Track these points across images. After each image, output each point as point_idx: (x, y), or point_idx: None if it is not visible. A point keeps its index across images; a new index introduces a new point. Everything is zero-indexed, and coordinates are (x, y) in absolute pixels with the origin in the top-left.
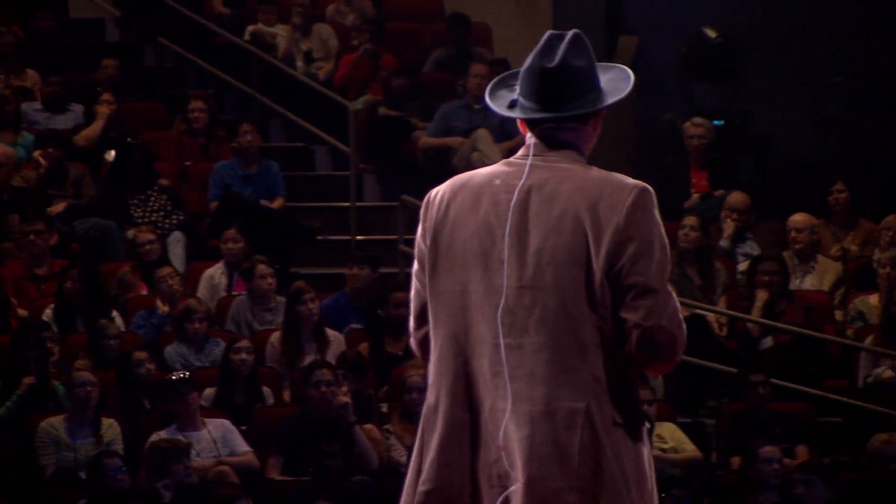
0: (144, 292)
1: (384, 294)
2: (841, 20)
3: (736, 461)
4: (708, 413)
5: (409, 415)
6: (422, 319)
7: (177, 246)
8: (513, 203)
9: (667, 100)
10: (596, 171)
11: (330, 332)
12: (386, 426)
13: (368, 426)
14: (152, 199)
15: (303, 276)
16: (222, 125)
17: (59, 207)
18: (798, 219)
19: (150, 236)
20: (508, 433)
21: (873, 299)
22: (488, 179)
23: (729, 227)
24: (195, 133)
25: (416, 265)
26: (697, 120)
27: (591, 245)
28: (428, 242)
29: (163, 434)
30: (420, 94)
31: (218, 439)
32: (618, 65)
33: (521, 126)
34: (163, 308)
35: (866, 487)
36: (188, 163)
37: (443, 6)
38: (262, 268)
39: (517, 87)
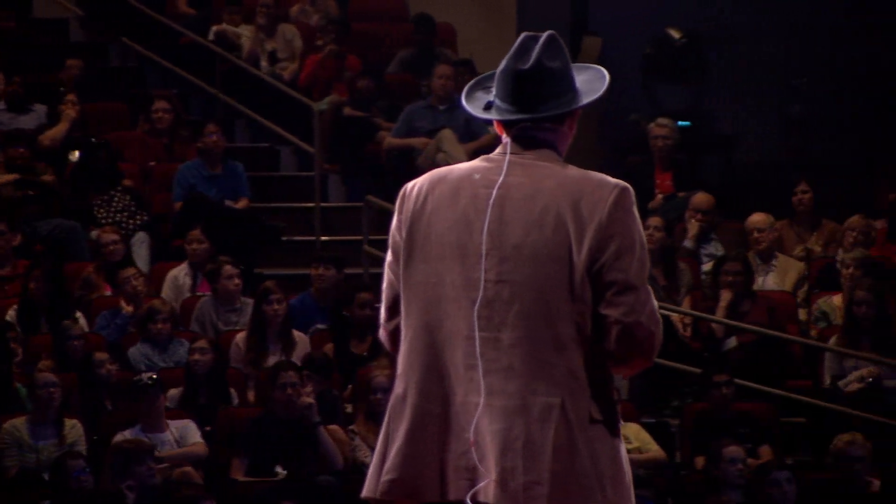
0: (108, 293)
1: (349, 295)
2: (805, 21)
3: (700, 461)
4: (672, 413)
5: (374, 415)
6: (394, 311)
7: (141, 246)
8: (492, 198)
9: (631, 101)
10: (575, 170)
11: (295, 333)
12: (351, 427)
13: (333, 427)
14: (116, 199)
15: (267, 276)
16: (186, 125)
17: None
18: (758, 219)
19: (114, 237)
20: (481, 427)
21: (837, 300)
22: (467, 174)
23: (693, 227)
24: (159, 133)
25: (389, 256)
26: (662, 121)
27: (573, 241)
28: (403, 234)
29: (127, 434)
30: (385, 95)
31: (179, 440)
32: (593, 65)
33: (497, 127)
34: (127, 309)
35: (829, 487)
36: (152, 163)
37: (407, 7)
38: (228, 268)
39: (493, 89)
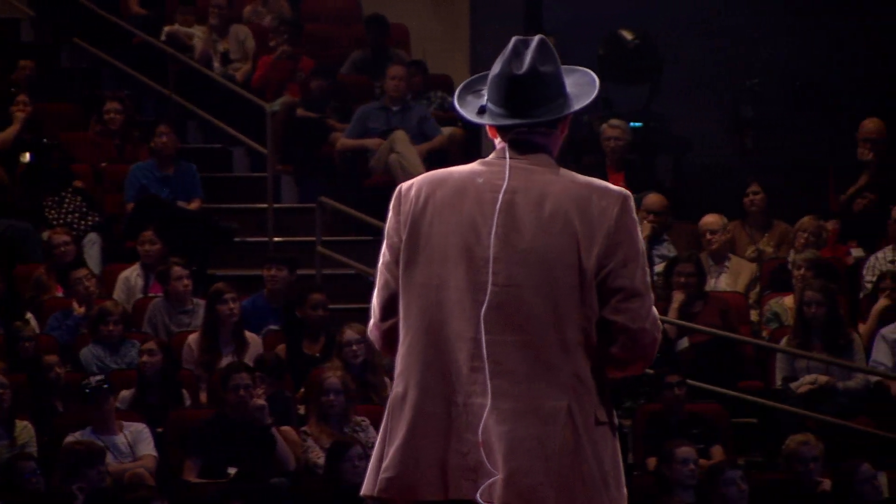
0: (60, 294)
1: (302, 296)
2: (758, 22)
3: (652, 462)
4: (624, 414)
5: (326, 416)
6: (390, 311)
7: (92, 247)
8: (499, 203)
9: None
10: (577, 175)
11: (248, 334)
12: (303, 428)
13: (286, 428)
14: (67, 200)
15: (220, 277)
16: (139, 126)
17: None
18: (710, 220)
19: (65, 238)
20: (488, 428)
21: (788, 300)
22: (470, 178)
23: (645, 228)
24: (111, 134)
25: (385, 257)
26: (614, 122)
27: (582, 247)
28: (404, 236)
29: (78, 436)
30: (338, 96)
31: (132, 443)
32: (580, 68)
33: (490, 131)
34: (78, 310)
35: (780, 488)
36: (104, 164)
37: (360, 8)
38: (177, 270)
39: (484, 93)
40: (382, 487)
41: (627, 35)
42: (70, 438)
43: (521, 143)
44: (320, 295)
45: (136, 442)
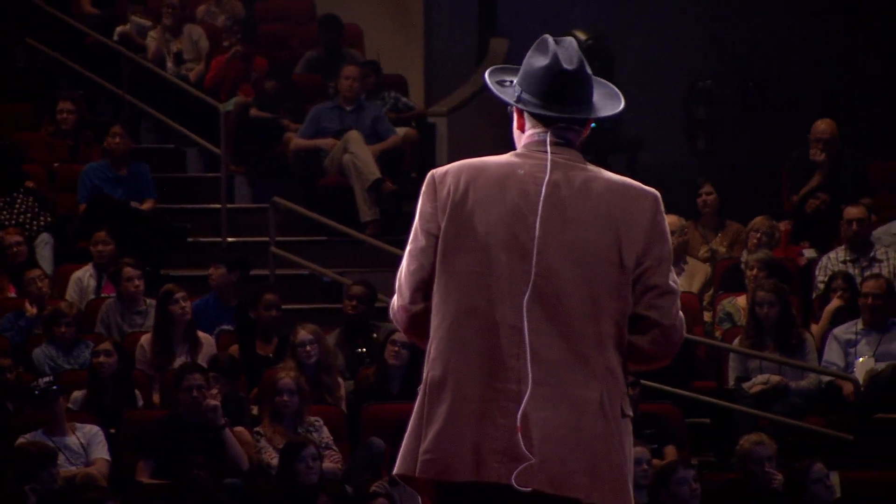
0: (12, 294)
1: (255, 296)
2: (712, 24)
3: None
4: None
5: (280, 417)
6: (421, 295)
7: (45, 248)
8: (543, 195)
9: None
10: (612, 174)
11: (201, 334)
12: (256, 428)
13: (239, 428)
14: (18, 201)
15: (173, 277)
16: (92, 126)
17: None
18: (668, 221)
19: (17, 238)
20: (525, 414)
21: (741, 300)
22: (510, 168)
23: None
24: (64, 134)
25: (419, 242)
26: None
27: (623, 244)
28: (443, 222)
29: (30, 437)
30: (291, 96)
31: (86, 445)
32: (606, 82)
33: (520, 122)
34: (31, 310)
35: (734, 488)
36: (56, 164)
37: (314, 8)
38: (128, 270)
39: (514, 83)
40: (423, 468)
41: (581, 35)
42: (21, 440)
43: (559, 137)
44: (273, 295)
45: (90, 444)
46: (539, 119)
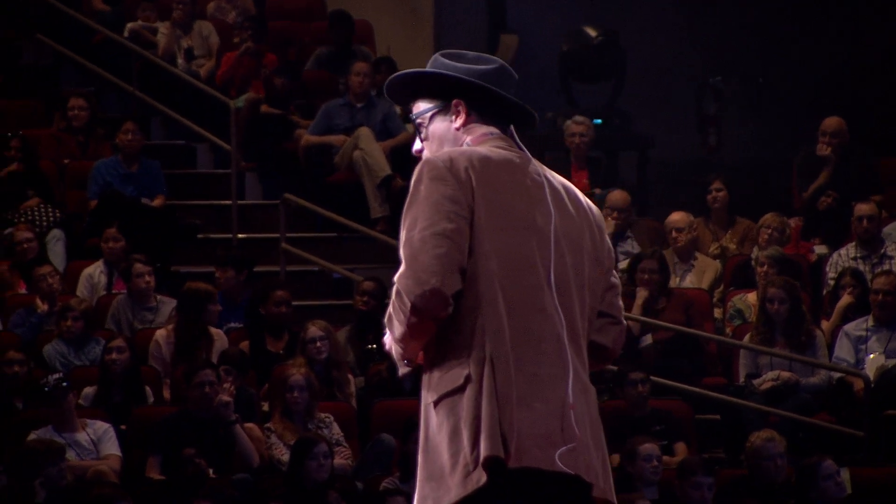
0: (23, 291)
1: (265, 292)
2: (722, 20)
3: (616, 458)
4: None
5: (290, 413)
6: (457, 277)
7: (56, 244)
8: (546, 190)
9: (548, 98)
10: None
11: (213, 331)
12: (267, 425)
13: (249, 424)
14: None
15: (184, 274)
16: (102, 123)
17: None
18: (676, 218)
19: (28, 234)
20: (563, 400)
21: (751, 297)
22: (509, 157)
23: (609, 225)
24: (75, 131)
25: (446, 224)
26: (578, 118)
27: (601, 245)
28: (473, 203)
29: (40, 434)
30: (302, 92)
31: (96, 441)
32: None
33: (465, 118)
34: (41, 307)
35: (744, 484)
36: (67, 161)
37: (325, 4)
38: (138, 266)
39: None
40: (521, 445)
41: (591, 32)
42: (31, 436)
43: (512, 137)
44: (284, 292)
45: (100, 440)
46: (527, 117)
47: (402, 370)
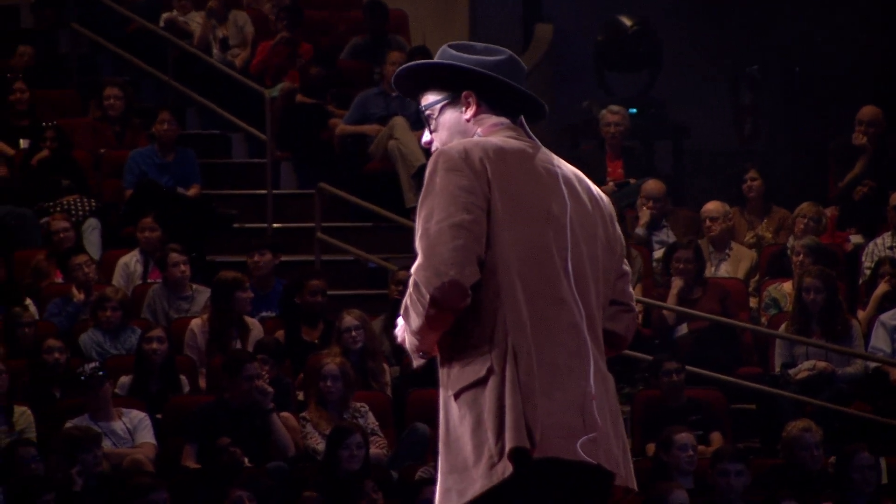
0: (59, 280)
1: (300, 282)
2: (756, 10)
3: (651, 448)
4: (623, 400)
5: (325, 402)
6: (475, 268)
7: (92, 233)
8: (560, 180)
9: (583, 87)
10: None
11: (249, 320)
12: (302, 414)
13: (285, 414)
14: (63, 189)
15: (219, 263)
16: (138, 113)
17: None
18: (711, 207)
19: (65, 224)
20: (585, 390)
21: (787, 286)
22: (522, 147)
23: (644, 214)
24: (110, 120)
25: (464, 215)
26: (614, 108)
27: (613, 234)
28: (491, 193)
29: (76, 422)
30: (337, 82)
31: (132, 430)
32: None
33: (476, 109)
34: (78, 296)
35: (779, 474)
36: (103, 150)
37: None
38: (174, 256)
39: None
40: (549, 433)
41: (627, 21)
42: (68, 424)
43: (522, 128)
44: (319, 281)
45: (136, 429)
46: (539, 111)
47: (417, 362)
